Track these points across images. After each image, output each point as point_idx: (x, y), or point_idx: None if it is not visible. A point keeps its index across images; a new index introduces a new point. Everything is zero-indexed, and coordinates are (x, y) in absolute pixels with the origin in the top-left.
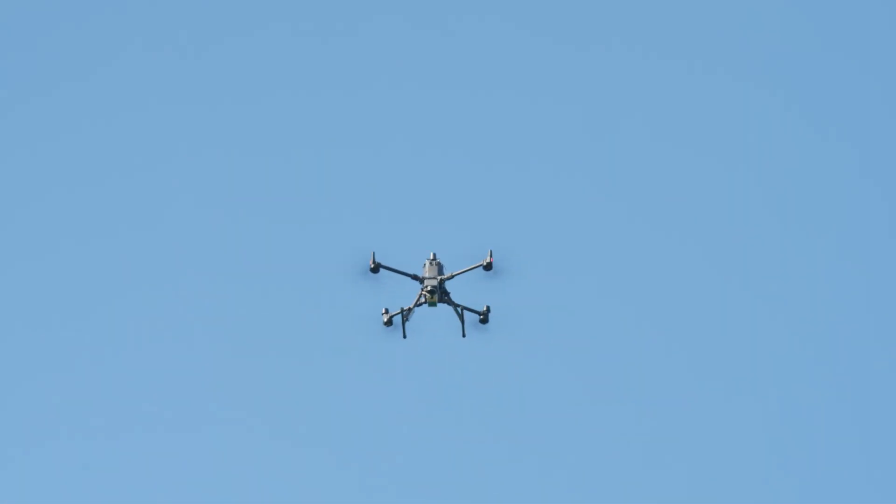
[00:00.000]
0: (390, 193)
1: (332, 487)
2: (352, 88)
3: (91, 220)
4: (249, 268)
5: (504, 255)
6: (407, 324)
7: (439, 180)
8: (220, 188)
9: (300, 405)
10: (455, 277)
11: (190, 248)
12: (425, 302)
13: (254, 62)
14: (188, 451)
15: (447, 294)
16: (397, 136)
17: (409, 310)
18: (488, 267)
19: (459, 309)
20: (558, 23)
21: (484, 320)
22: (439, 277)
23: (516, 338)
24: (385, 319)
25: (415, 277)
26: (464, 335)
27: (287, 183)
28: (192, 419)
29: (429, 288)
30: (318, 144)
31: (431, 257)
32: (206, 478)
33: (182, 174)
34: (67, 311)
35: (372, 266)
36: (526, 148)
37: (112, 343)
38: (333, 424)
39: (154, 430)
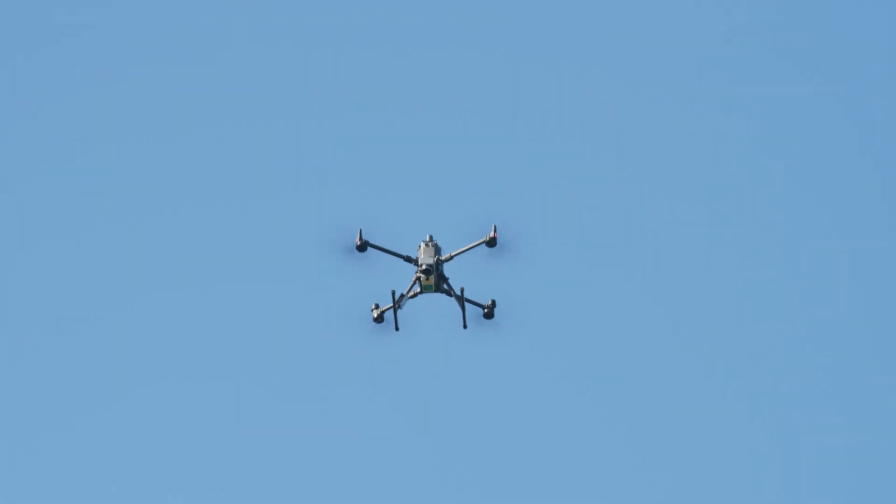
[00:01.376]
0: (381, 165)
1: (322, 496)
2: (340, 48)
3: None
4: (219, 247)
5: (511, 231)
6: (400, 313)
7: (437, 151)
8: (189, 151)
9: (277, 405)
10: (455, 258)
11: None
12: (421, 290)
13: (235, 23)
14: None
15: (445, 280)
16: (391, 102)
17: (402, 297)
18: (492, 243)
19: (459, 298)
20: None
21: (488, 315)
22: (436, 258)
23: (525, 330)
24: (375, 315)
25: (408, 259)
26: (465, 326)
27: (265, 150)
28: (164, 423)
29: (423, 267)
30: (301, 108)
31: (428, 239)
32: (191, 483)
33: (155, 139)
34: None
35: (359, 244)
36: (535, 116)
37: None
38: (316, 427)
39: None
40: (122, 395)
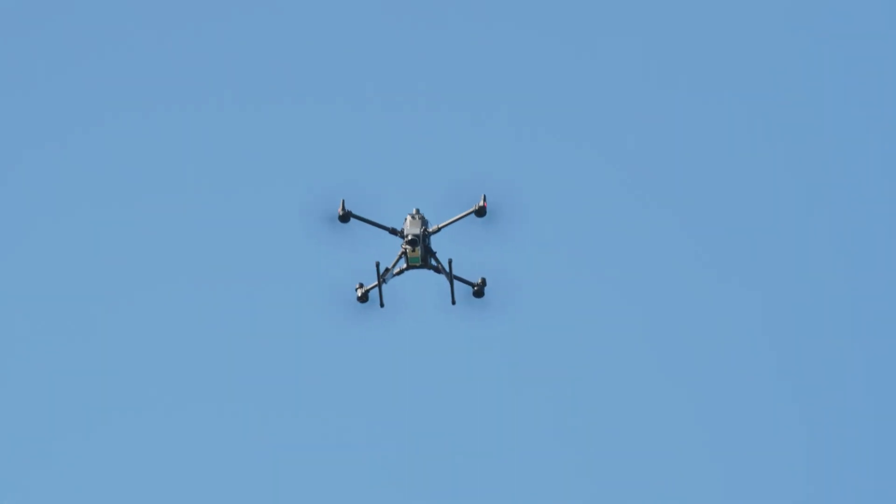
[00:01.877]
0: (366, 136)
1: (304, 483)
2: (323, 13)
3: None
4: (197, 221)
5: (502, 201)
6: (385, 289)
7: (424, 121)
8: (165, 115)
9: (256, 389)
10: (443, 230)
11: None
12: (407, 265)
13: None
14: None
15: (433, 254)
16: (377, 71)
17: (388, 270)
18: (481, 213)
19: (447, 272)
20: None
21: (478, 293)
22: (423, 229)
23: (516, 308)
24: (359, 294)
25: (393, 231)
26: (453, 302)
27: (245, 119)
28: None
29: (409, 238)
30: (283, 77)
31: (414, 212)
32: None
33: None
34: None
35: (341, 213)
36: (527, 82)
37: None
38: (299, 412)
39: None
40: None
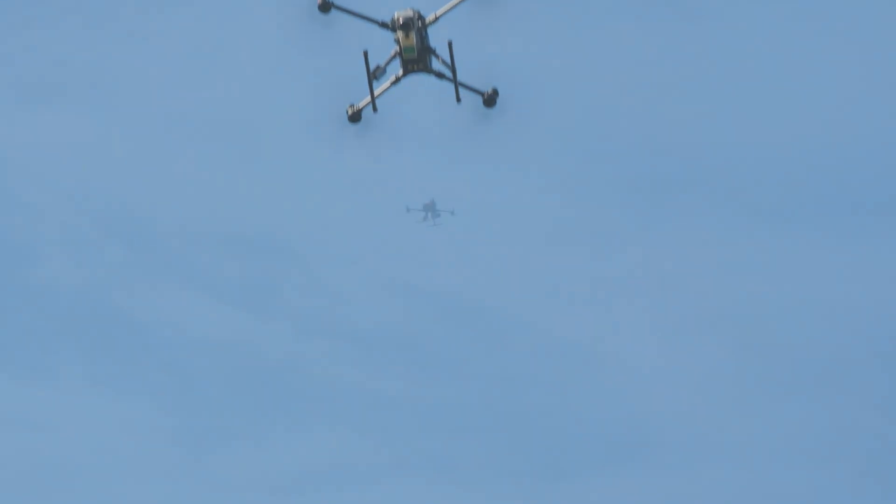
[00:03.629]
0: None
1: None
2: None
3: None
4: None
5: None
6: (379, 102)
7: None
8: None
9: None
10: (441, 19)
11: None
12: (402, 67)
13: None
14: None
15: (432, 51)
16: None
17: (379, 68)
18: None
19: (449, 65)
20: None
21: (489, 102)
22: (417, 13)
23: (533, 111)
24: (350, 113)
25: (384, 24)
26: (458, 100)
27: None
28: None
29: (402, 22)
30: None
31: (408, 10)
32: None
33: None
34: None
35: (320, 3)
36: None
37: None
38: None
39: None
40: None
